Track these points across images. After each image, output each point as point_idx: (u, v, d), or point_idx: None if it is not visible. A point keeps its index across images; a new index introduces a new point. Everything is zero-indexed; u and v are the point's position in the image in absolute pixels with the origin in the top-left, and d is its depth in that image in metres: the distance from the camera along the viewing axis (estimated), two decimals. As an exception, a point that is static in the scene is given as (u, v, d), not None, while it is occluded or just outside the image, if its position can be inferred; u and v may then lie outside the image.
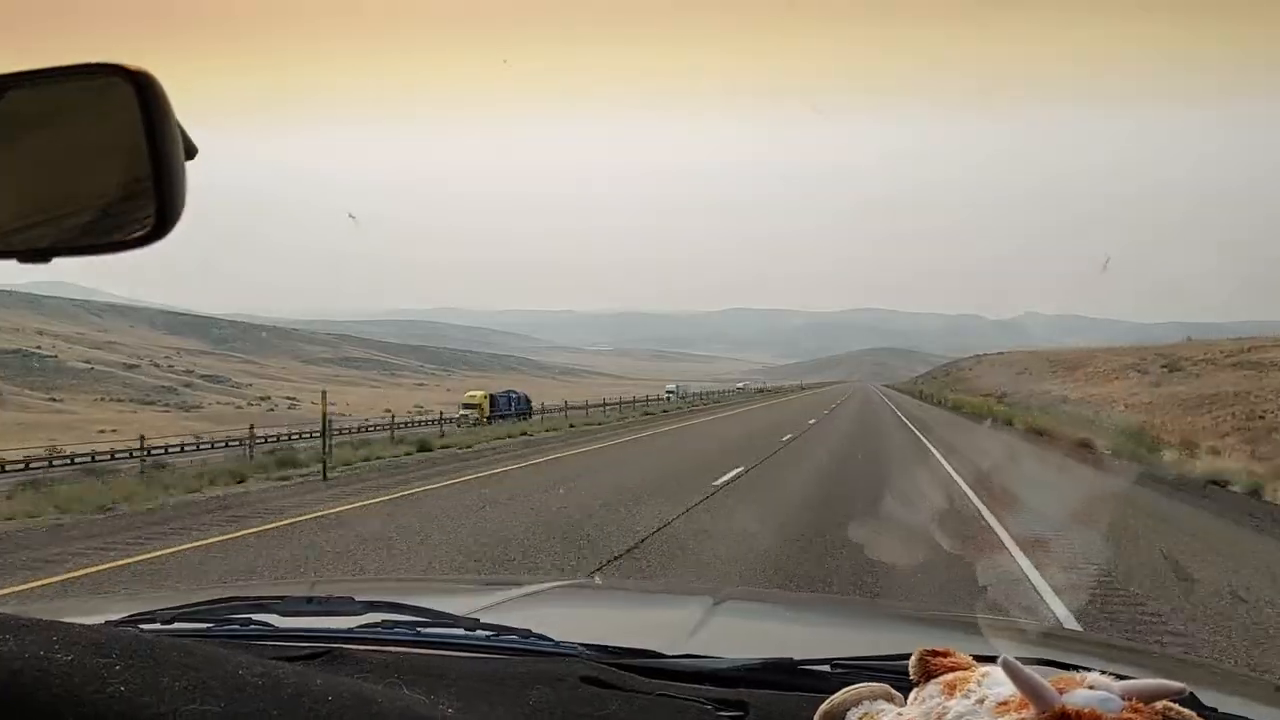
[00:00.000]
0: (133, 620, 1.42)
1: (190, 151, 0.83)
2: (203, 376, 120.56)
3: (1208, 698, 1.06)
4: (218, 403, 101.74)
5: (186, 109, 0.82)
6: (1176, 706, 0.81)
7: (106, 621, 1.37)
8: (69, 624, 0.77)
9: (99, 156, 0.86)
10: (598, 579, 5.27)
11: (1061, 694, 0.79)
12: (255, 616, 1.43)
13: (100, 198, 0.86)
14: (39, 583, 7.76)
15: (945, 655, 0.93)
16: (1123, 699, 0.79)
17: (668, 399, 73.55)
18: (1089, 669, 0.88)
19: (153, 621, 1.41)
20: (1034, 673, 0.81)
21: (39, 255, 0.83)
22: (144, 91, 0.82)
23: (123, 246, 0.85)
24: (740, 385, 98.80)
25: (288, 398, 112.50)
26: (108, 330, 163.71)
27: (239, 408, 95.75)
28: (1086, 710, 0.77)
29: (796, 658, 1.23)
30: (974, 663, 0.92)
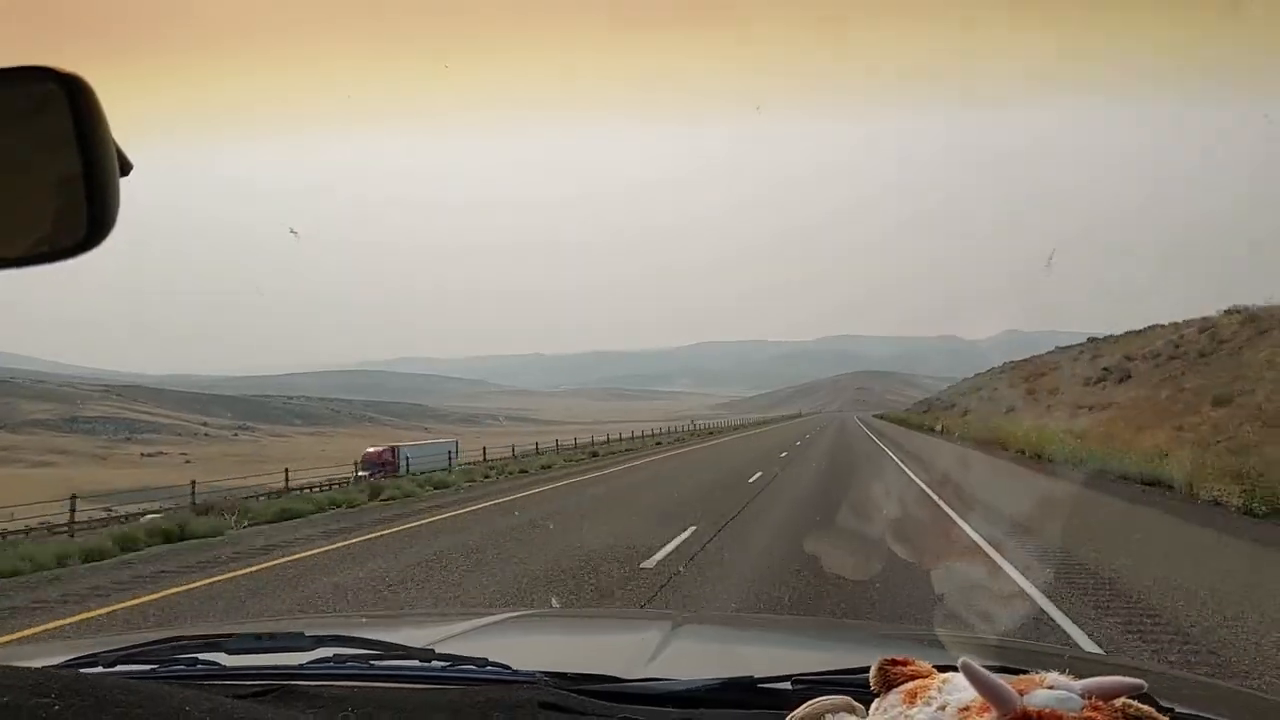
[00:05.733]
0: (74, 664, 1.35)
1: (125, 168, 0.80)
2: None
3: (1165, 700, 1.07)
4: None
5: (120, 127, 0.78)
6: (1135, 703, 0.82)
7: (46, 666, 1.29)
8: (5, 667, 0.76)
9: (28, 164, 0.82)
10: (554, 602, 4.42)
11: (1022, 695, 0.80)
12: (202, 656, 1.37)
13: (28, 207, 0.82)
14: None
15: (905, 664, 0.93)
16: (1082, 697, 0.80)
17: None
18: (1047, 671, 0.88)
19: (95, 665, 1.34)
20: (994, 675, 0.81)
21: None
22: (76, 96, 0.78)
23: (53, 257, 0.81)
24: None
25: None
26: None
27: None
28: (1047, 710, 0.78)
29: (756, 676, 1.20)
30: (934, 670, 0.92)
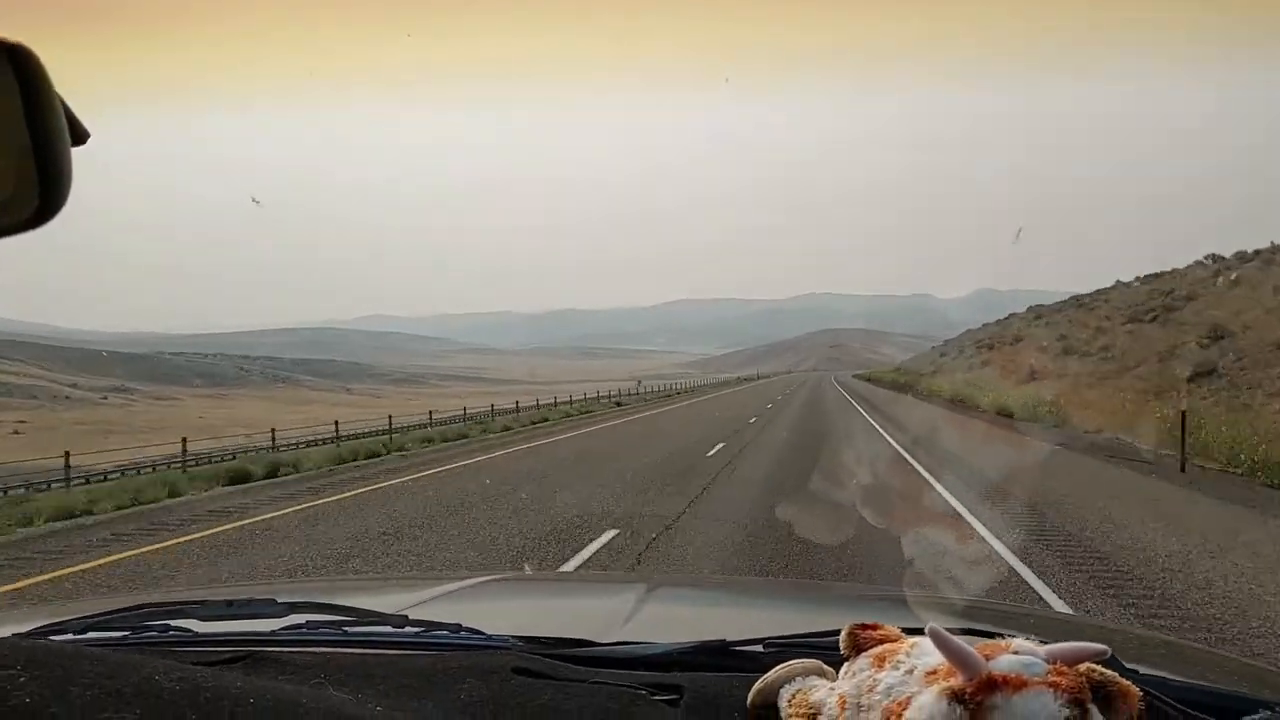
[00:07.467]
0: (43, 631, 1.33)
1: (81, 136, 0.76)
2: None
3: (1128, 661, 1.09)
4: None
5: (74, 94, 0.75)
6: (1099, 668, 0.83)
7: (14, 634, 1.27)
8: None
9: None
10: (528, 569, 4.34)
11: (988, 660, 0.81)
12: (173, 623, 1.35)
13: None
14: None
15: (874, 629, 0.94)
16: (1047, 662, 0.81)
17: None
18: (1014, 635, 0.90)
19: (64, 632, 1.32)
20: (960, 641, 0.82)
21: None
22: (21, 66, 0.74)
23: (5, 231, 0.78)
24: None
25: None
26: None
27: None
28: (1012, 675, 0.79)
29: (729, 639, 1.22)
30: (903, 635, 0.93)
